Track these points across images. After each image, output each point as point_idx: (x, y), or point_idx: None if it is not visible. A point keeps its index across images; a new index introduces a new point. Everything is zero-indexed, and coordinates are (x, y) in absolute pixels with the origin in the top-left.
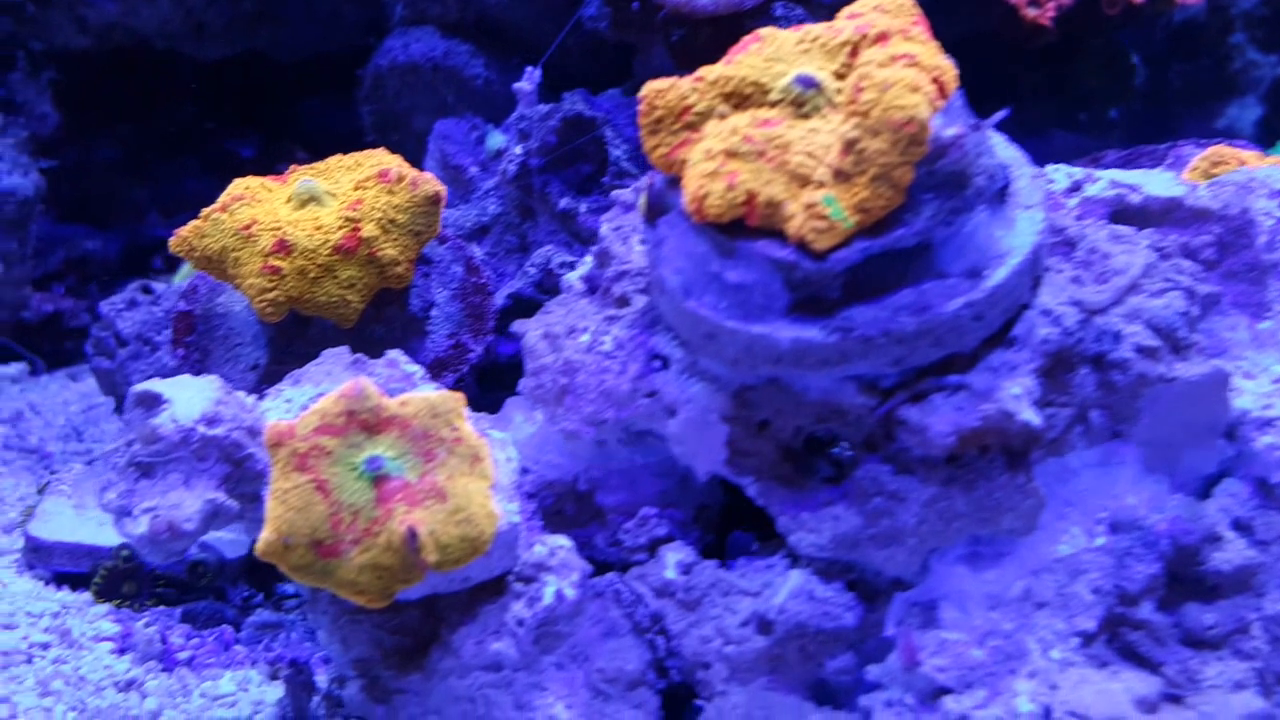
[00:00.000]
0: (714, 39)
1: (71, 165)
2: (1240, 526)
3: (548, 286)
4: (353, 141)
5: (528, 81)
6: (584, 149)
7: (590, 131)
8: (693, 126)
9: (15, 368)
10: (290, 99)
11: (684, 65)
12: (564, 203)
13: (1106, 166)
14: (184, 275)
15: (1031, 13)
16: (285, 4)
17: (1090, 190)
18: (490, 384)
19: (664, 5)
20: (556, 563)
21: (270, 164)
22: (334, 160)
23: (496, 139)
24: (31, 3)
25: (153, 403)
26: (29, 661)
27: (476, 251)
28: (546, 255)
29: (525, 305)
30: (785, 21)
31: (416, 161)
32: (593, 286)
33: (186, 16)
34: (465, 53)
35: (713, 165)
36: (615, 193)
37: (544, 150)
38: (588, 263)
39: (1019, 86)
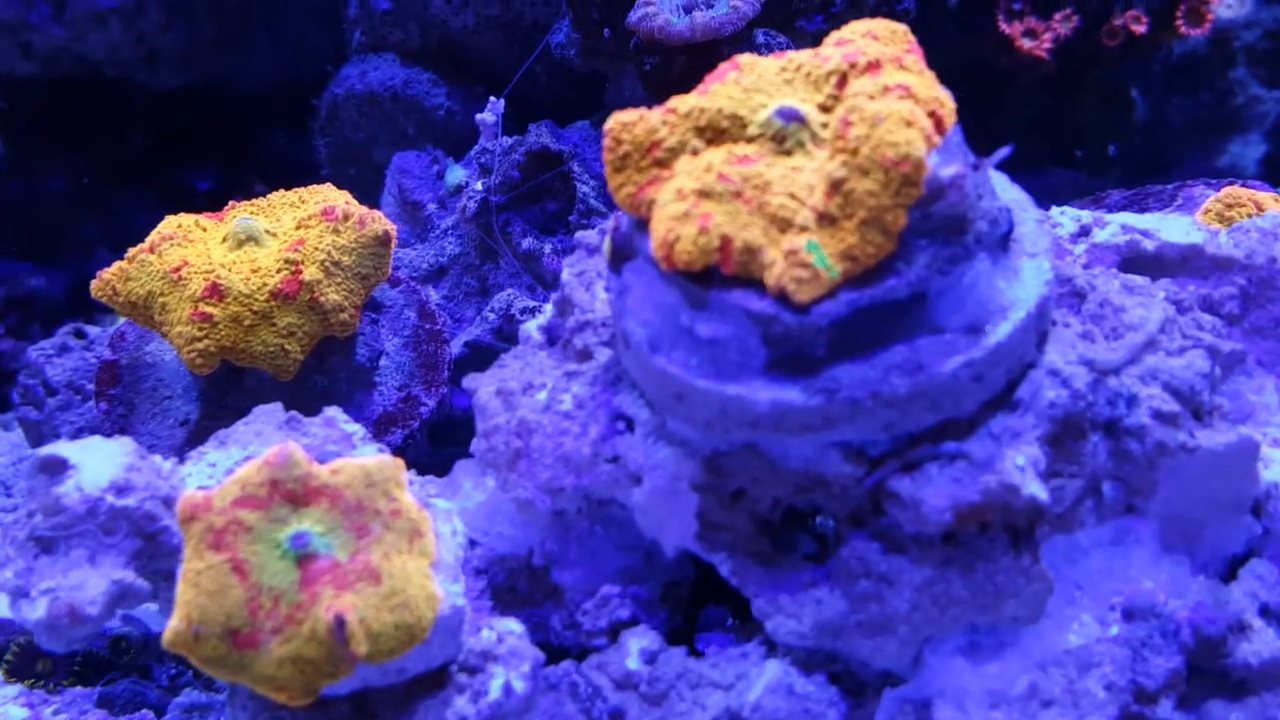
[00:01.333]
0: (690, 68)
1: (15, 198)
2: (1269, 614)
3: (509, 334)
4: (317, 174)
5: (490, 113)
6: (549, 185)
7: (556, 166)
8: (663, 163)
9: None
10: (251, 129)
11: (658, 96)
12: (527, 243)
13: (1111, 207)
14: None
15: (1027, 43)
16: (246, 31)
17: (1100, 236)
18: (444, 440)
19: (636, 32)
20: (505, 650)
21: (228, 197)
22: (276, 196)
23: (457, 174)
24: None
25: (58, 468)
26: None
27: (432, 295)
28: (508, 300)
29: (484, 354)
30: (766, 50)
31: (375, 197)
32: (553, 338)
33: (138, 43)
34: (427, 81)
35: (684, 206)
36: (579, 234)
37: (506, 186)
38: (548, 311)
39: (1013, 121)
